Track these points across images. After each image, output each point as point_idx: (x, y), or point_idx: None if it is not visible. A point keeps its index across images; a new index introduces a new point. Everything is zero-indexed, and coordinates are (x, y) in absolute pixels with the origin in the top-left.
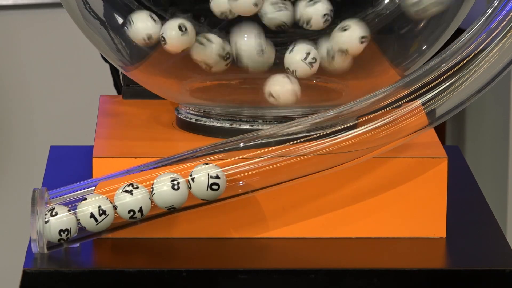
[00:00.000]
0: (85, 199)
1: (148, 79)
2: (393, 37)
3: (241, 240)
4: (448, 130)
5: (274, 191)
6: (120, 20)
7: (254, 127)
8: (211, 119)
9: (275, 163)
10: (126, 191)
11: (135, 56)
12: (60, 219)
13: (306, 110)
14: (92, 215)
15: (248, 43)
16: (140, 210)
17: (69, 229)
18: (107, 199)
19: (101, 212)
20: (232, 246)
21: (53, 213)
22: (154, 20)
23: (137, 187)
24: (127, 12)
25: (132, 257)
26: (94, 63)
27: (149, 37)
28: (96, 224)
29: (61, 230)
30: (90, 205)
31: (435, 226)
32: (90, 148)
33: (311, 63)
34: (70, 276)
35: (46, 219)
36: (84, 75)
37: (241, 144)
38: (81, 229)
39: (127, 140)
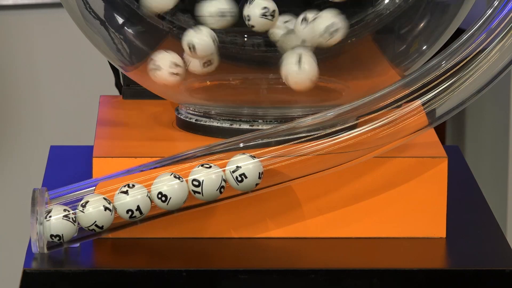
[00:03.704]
0: (87, 201)
1: (148, 79)
2: (393, 37)
3: (241, 240)
4: (448, 130)
5: (274, 191)
6: (120, 20)
7: (254, 127)
8: (211, 119)
9: (275, 163)
10: (122, 192)
11: (135, 56)
12: (59, 220)
13: (306, 110)
14: (107, 208)
15: None
16: (138, 209)
17: (67, 228)
18: (106, 199)
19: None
20: (232, 246)
21: (53, 214)
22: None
23: (133, 186)
24: (127, 12)
25: (132, 257)
26: (94, 63)
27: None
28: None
29: (59, 231)
30: (97, 202)
31: (435, 226)
32: (90, 148)
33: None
34: (70, 276)
35: (47, 219)
36: (84, 75)
37: (241, 144)
38: (81, 229)
39: (127, 140)
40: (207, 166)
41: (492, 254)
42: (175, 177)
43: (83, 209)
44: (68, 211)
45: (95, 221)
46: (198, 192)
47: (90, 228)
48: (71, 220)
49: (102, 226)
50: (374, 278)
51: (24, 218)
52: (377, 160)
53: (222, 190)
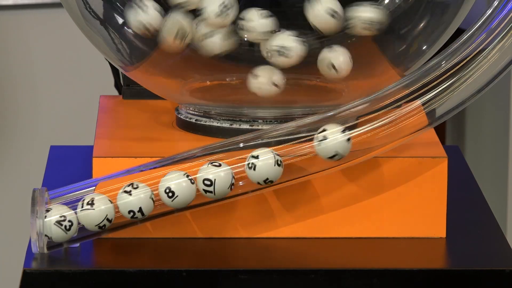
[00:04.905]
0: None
1: (148, 79)
2: (393, 37)
3: (241, 240)
4: (448, 130)
5: (274, 191)
6: (120, 20)
7: (254, 127)
8: (211, 119)
9: None
10: (126, 192)
11: (135, 56)
12: (50, 223)
13: (306, 110)
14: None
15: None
16: (140, 210)
17: (57, 234)
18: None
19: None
20: (232, 246)
21: (53, 213)
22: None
23: (137, 187)
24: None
25: (132, 257)
26: (94, 63)
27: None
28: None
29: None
30: (104, 199)
31: (435, 226)
32: (90, 148)
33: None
34: (70, 276)
35: (46, 219)
36: (84, 75)
37: (241, 144)
38: (81, 229)
39: (127, 140)
40: (216, 164)
41: (492, 254)
42: (184, 175)
43: (92, 206)
44: (64, 218)
45: (106, 215)
46: (210, 192)
47: (101, 224)
48: (63, 228)
49: (111, 219)
50: (374, 278)
51: (24, 218)
52: (377, 160)
53: (232, 187)
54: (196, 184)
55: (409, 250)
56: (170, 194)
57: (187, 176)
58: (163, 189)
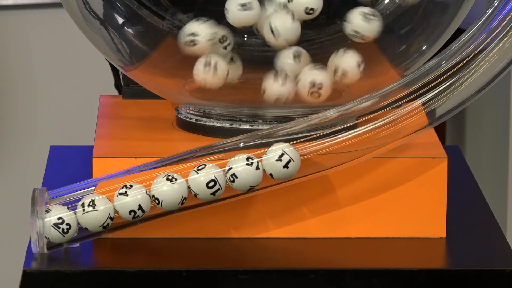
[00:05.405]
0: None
1: (148, 79)
2: (393, 37)
3: (241, 240)
4: (448, 130)
5: (274, 191)
6: (120, 20)
7: (254, 127)
8: (211, 119)
9: None
10: (121, 194)
11: (135, 56)
12: (49, 226)
13: (306, 110)
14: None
15: None
16: (140, 207)
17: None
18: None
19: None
20: (232, 246)
21: (52, 215)
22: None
23: (131, 186)
24: (127, 12)
25: (132, 257)
26: (94, 63)
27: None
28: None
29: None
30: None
31: (435, 226)
32: (90, 148)
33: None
34: (70, 276)
35: (46, 219)
36: (84, 75)
37: (241, 144)
38: (82, 229)
39: (127, 140)
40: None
41: (492, 254)
42: (167, 179)
43: (94, 208)
44: (62, 221)
45: (109, 214)
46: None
47: (105, 224)
48: (60, 231)
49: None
50: (374, 278)
51: (24, 218)
52: (377, 160)
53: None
54: (187, 185)
55: (409, 250)
56: (157, 201)
57: (171, 179)
58: (151, 196)
